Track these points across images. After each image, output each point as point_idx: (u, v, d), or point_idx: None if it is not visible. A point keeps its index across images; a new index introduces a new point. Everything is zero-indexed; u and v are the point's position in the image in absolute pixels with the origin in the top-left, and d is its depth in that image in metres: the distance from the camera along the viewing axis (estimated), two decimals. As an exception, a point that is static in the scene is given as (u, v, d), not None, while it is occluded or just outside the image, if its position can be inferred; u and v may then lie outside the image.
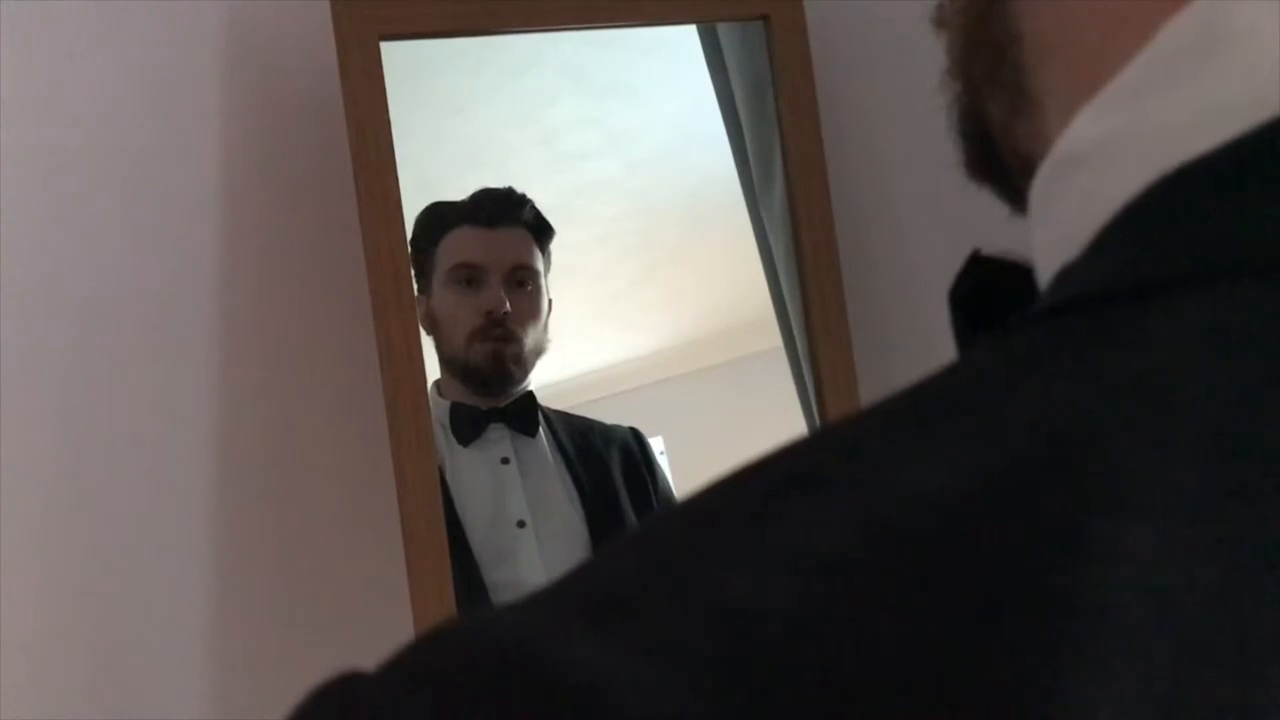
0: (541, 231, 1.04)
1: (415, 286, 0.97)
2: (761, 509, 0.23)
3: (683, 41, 1.11)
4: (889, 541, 0.21)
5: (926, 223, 1.18)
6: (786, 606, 0.21)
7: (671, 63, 1.13)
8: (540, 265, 1.04)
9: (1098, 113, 0.28)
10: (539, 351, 1.04)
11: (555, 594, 0.24)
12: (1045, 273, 0.29)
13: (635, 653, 0.21)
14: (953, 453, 0.22)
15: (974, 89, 0.35)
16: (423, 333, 0.98)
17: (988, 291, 0.33)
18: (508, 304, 1.02)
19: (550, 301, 1.05)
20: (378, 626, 0.98)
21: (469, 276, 1.02)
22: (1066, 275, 0.27)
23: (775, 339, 1.12)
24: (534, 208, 1.04)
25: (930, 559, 0.21)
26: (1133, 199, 0.26)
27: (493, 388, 1.03)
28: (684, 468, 1.10)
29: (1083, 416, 0.22)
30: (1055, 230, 0.29)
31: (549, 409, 1.05)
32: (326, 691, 0.24)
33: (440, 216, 1.01)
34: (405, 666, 0.23)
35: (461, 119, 1.07)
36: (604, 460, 1.06)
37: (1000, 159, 0.35)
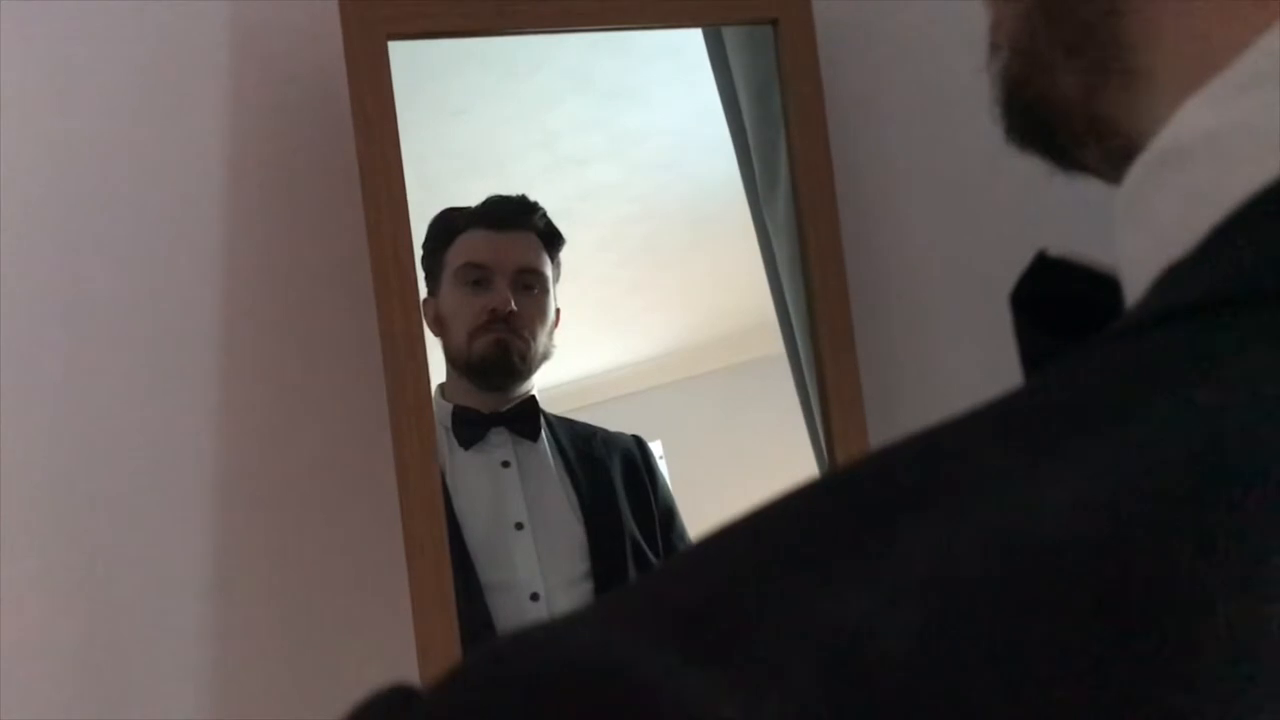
0: (552, 239, 1.04)
1: (425, 289, 0.97)
2: (870, 524, 0.21)
3: (688, 45, 1.11)
4: (1027, 561, 0.20)
5: (934, 228, 1.18)
6: (910, 629, 0.19)
7: (676, 66, 1.13)
8: (549, 271, 1.04)
9: (1207, 104, 0.27)
10: (545, 355, 1.03)
11: (632, 609, 0.22)
12: (1140, 273, 0.27)
13: (739, 682, 0.19)
14: (1088, 470, 0.21)
15: (1039, 58, 0.33)
16: (430, 335, 0.97)
17: (1055, 295, 0.32)
18: (513, 303, 1.01)
19: (558, 311, 1.04)
20: (377, 626, 0.98)
21: (476, 277, 1.02)
22: (1175, 276, 0.25)
23: (778, 344, 1.11)
24: (546, 215, 1.03)
25: (1073, 582, 0.19)
26: (1258, 193, 0.24)
27: (496, 381, 1.02)
28: (683, 472, 1.09)
29: (1228, 431, 0.21)
30: (1155, 229, 0.27)
31: (552, 415, 1.05)
32: (375, 709, 0.22)
33: (452, 220, 1.01)
34: (473, 685, 0.21)
35: (465, 120, 1.07)
36: (605, 467, 1.05)
37: (1057, 128, 0.33)
